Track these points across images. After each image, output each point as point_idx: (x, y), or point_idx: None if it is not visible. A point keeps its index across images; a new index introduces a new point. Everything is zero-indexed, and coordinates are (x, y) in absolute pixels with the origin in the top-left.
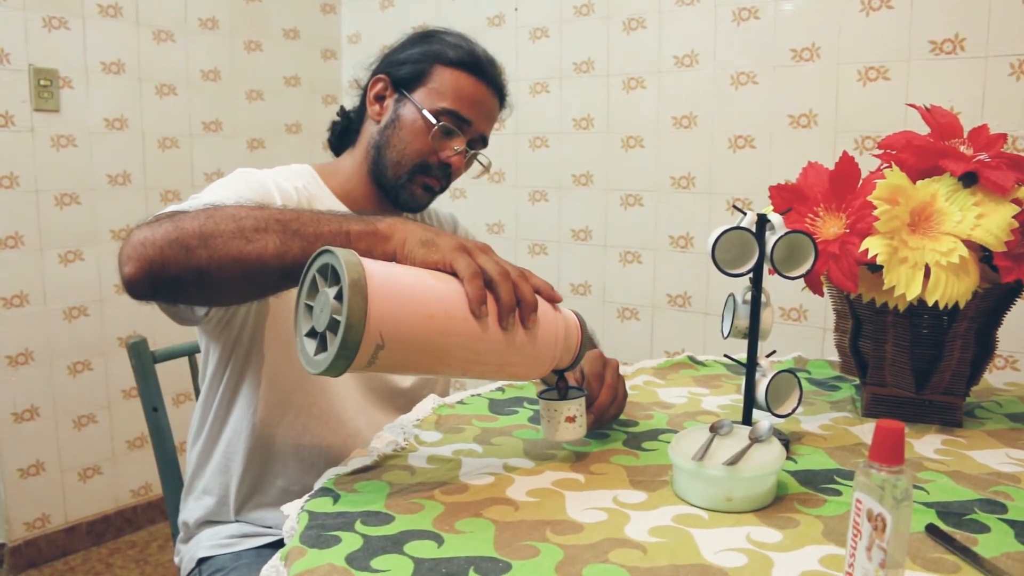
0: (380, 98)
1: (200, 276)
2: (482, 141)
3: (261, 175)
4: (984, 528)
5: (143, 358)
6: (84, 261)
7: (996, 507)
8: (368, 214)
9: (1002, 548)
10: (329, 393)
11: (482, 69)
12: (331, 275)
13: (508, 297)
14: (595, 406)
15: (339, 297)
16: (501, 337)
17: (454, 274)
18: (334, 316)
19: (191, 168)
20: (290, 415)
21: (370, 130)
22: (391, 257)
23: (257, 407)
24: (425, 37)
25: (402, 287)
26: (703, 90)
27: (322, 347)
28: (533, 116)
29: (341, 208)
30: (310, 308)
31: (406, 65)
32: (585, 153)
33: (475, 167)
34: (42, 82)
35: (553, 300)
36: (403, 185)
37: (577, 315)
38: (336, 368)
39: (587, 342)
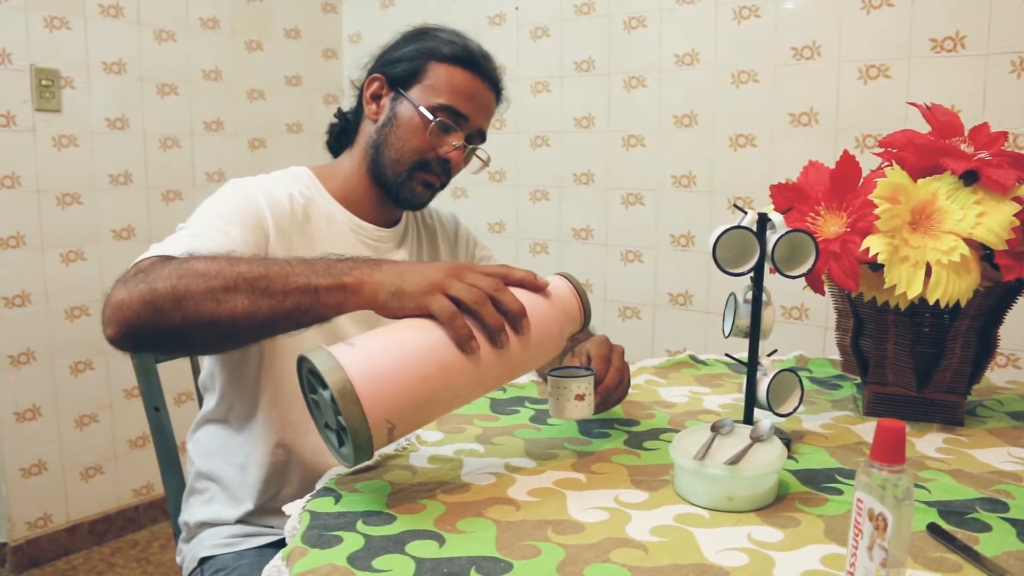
0: (376, 97)
1: (178, 336)
2: (480, 136)
3: (251, 190)
4: (986, 527)
5: (145, 357)
6: (86, 261)
7: (998, 506)
8: (339, 259)
9: (1004, 547)
10: None
11: (477, 64)
12: (320, 378)
13: (493, 320)
14: (601, 387)
15: (335, 400)
16: (501, 354)
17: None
18: (338, 419)
19: (192, 167)
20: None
21: (368, 130)
22: (364, 307)
23: (275, 424)
24: (419, 34)
25: (388, 365)
26: (704, 89)
27: (341, 439)
28: (534, 115)
29: (339, 211)
30: (317, 403)
31: (401, 63)
32: (586, 152)
33: (474, 162)
34: (43, 82)
35: (539, 289)
36: (403, 183)
37: (566, 276)
38: (362, 460)
39: (583, 296)
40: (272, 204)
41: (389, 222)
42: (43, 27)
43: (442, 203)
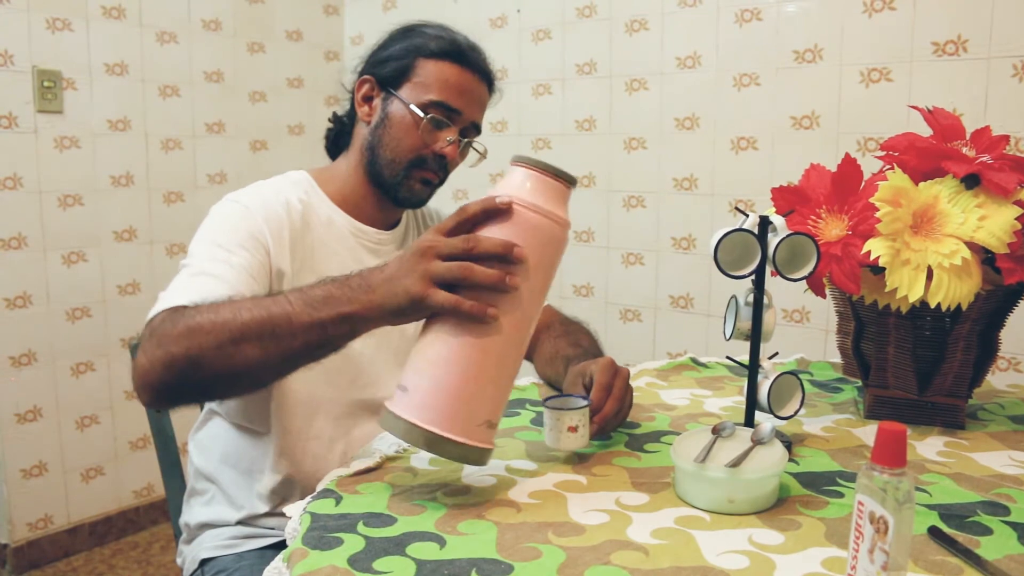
0: (368, 99)
1: (204, 390)
2: (475, 129)
3: (246, 206)
4: (987, 530)
5: None
6: (87, 262)
7: (999, 509)
8: (333, 284)
9: (1005, 550)
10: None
11: (465, 57)
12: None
13: (489, 278)
14: (599, 416)
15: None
16: (518, 294)
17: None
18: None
19: (194, 169)
20: (318, 429)
21: (362, 132)
22: (376, 327)
23: (278, 432)
24: (406, 32)
25: (444, 388)
26: (705, 91)
27: None
28: (535, 117)
29: (339, 215)
30: None
31: (390, 63)
32: (587, 154)
33: (472, 156)
34: (45, 83)
35: (504, 207)
36: (400, 182)
37: (519, 161)
38: (487, 460)
39: (548, 167)
40: (269, 218)
41: (389, 224)
42: (45, 28)
43: (443, 204)
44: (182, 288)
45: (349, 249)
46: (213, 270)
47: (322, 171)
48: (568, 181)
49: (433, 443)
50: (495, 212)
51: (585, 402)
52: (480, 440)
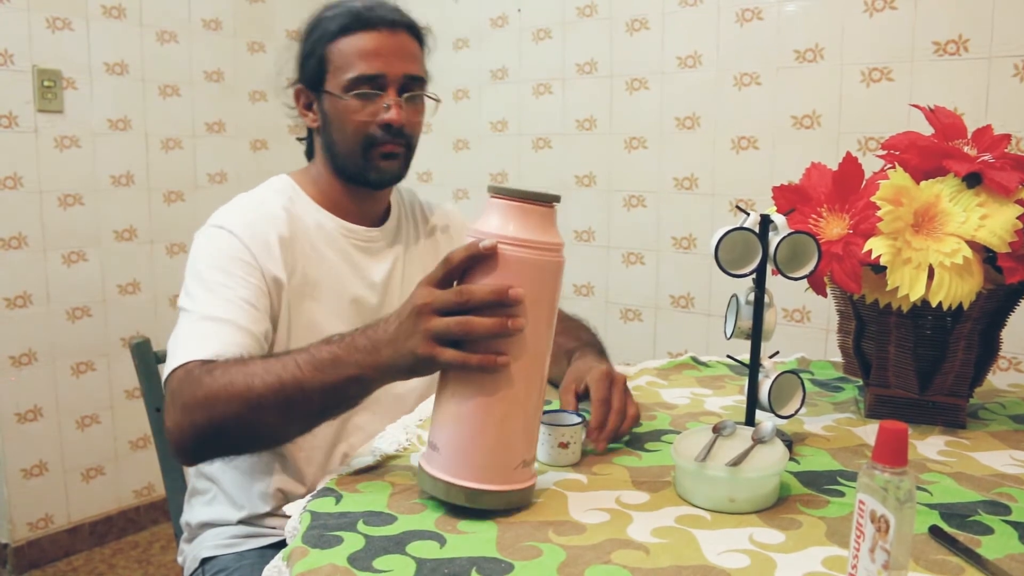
0: (308, 106)
1: (234, 450)
2: (415, 81)
3: (231, 232)
4: (988, 530)
5: (146, 359)
6: (87, 262)
7: (999, 509)
8: (337, 346)
9: (1006, 550)
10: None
11: (365, 19)
12: None
13: (489, 328)
14: (605, 433)
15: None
16: (524, 335)
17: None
18: None
19: (194, 169)
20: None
21: (317, 137)
22: (389, 383)
23: None
24: (310, 30)
25: (477, 445)
26: (706, 91)
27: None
28: (536, 117)
29: (326, 217)
30: None
31: (308, 64)
32: (588, 154)
33: (430, 106)
34: (46, 83)
35: (488, 249)
36: (364, 167)
37: (493, 193)
38: (529, 500)
39: (523, 193)
40: (255, 237)
41: (377, 221)
42: (45, 28)
43: (445, 204)
44: (191, 340)
45: (340, 250)
46: (215, 312)
47: (303, 173)
48: (549, 202)
49: (476, 498)
50: (481, 256)
51: (578, 419)
52: (520, 481)
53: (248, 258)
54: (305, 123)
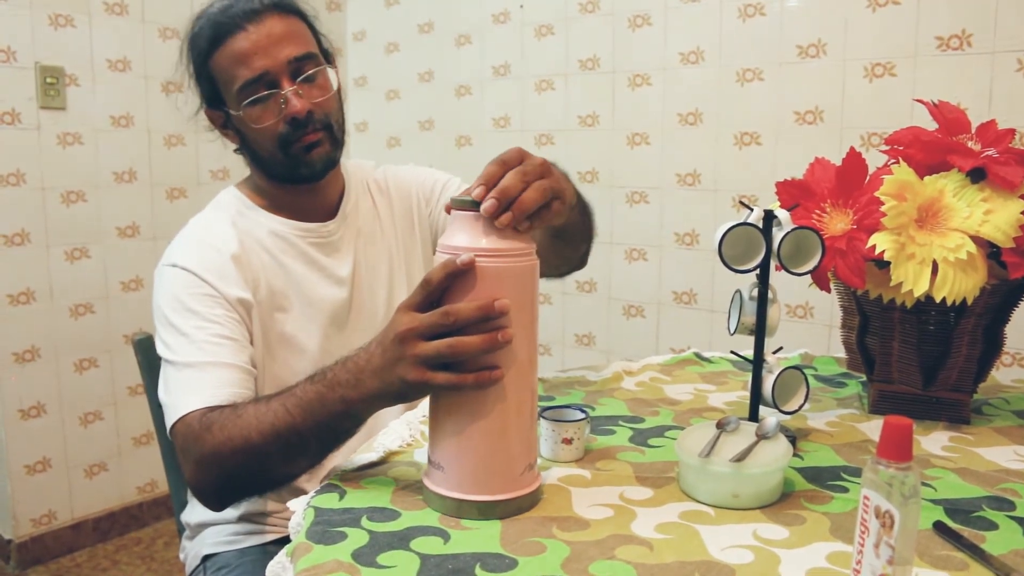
0: (224, 126)
1: (253, 492)
2: (305, 59)
3: (183, 271)
4: (992, 525)
5: (149, 355)
6: (90, 258)
7: (1004, 504)
8: (323, 383)
9: (1010, 545)
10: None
11: (228, 24)
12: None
13: (476, 346)
14: (518, 208)
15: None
16: (513, 345)
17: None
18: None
19: (196, 165)
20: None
21: (244, 151)
22: (384, 408)
23: None
24: (189, 51)
25: (479, 459)
26: (709, 87)
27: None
28: (538, 113)
29: (278, 223)
30: None
31: (201, 87)
32: (590, 150)
33: (333, 79)
34: (48, 80)
35: (465, 265)
36: (293, 165)
37: (456, 206)
38: (537, 501)
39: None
40: (210, 270)
41: (332, 211)
42: (48, 25)
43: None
44: (181, 392)
45: (300, 253)
46: (196, 358)
47: (249, 181)
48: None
49: (486, 510)
50: (459, 272)
51: (581, 415)
52: (527, 485)
53: (208, 291)
54: (228, 142)
